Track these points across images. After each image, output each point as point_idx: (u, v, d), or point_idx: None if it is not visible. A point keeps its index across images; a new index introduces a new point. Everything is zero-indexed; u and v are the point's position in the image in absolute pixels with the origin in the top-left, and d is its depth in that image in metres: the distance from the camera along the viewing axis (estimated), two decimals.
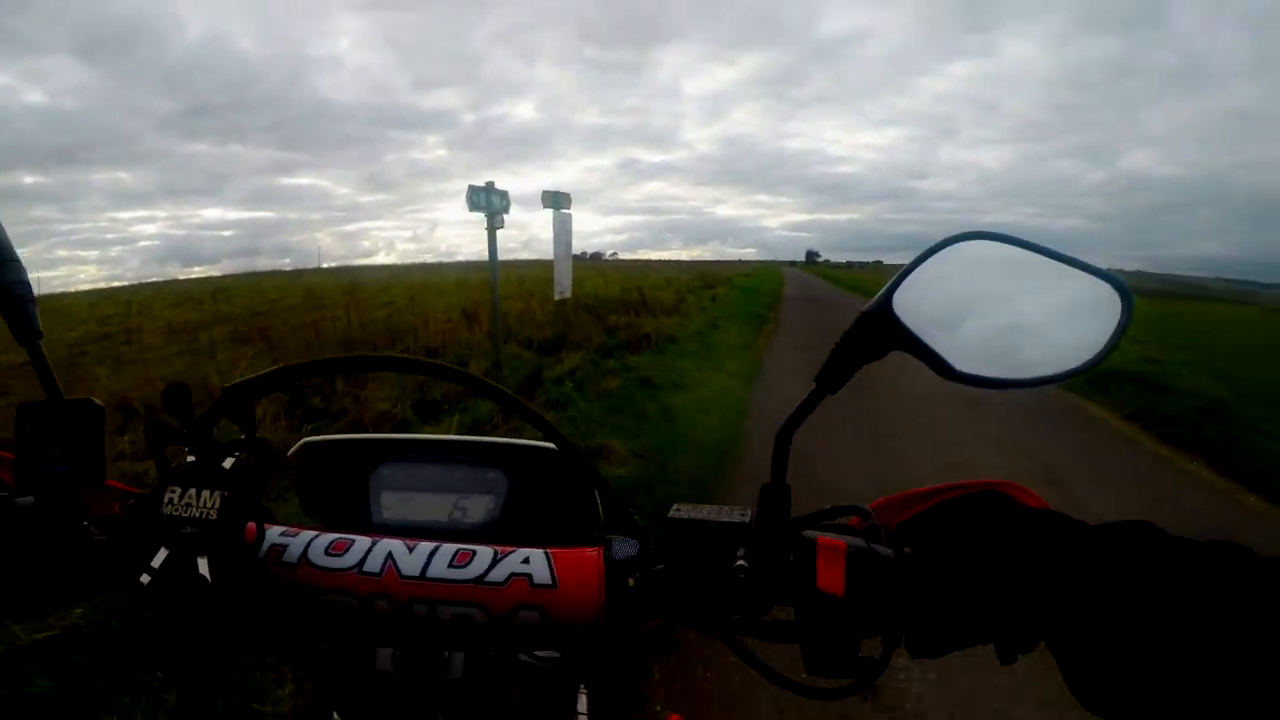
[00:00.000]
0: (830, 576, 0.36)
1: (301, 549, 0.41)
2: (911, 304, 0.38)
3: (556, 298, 6.82)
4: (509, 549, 0.41)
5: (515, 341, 7.20)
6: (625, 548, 0.42)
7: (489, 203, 5.79)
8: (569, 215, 7.13)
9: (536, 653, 0.54)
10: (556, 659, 0.55)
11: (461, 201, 5.62)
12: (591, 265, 45.60)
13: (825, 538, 0.37)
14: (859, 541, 0.37)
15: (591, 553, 0.41)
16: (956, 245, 0.38)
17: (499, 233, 5.81)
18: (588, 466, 0.47)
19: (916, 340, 0.38)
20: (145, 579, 0.37)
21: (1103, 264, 0.37)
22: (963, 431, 4.65)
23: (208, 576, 0.37)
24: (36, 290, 0.45)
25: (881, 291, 0.39)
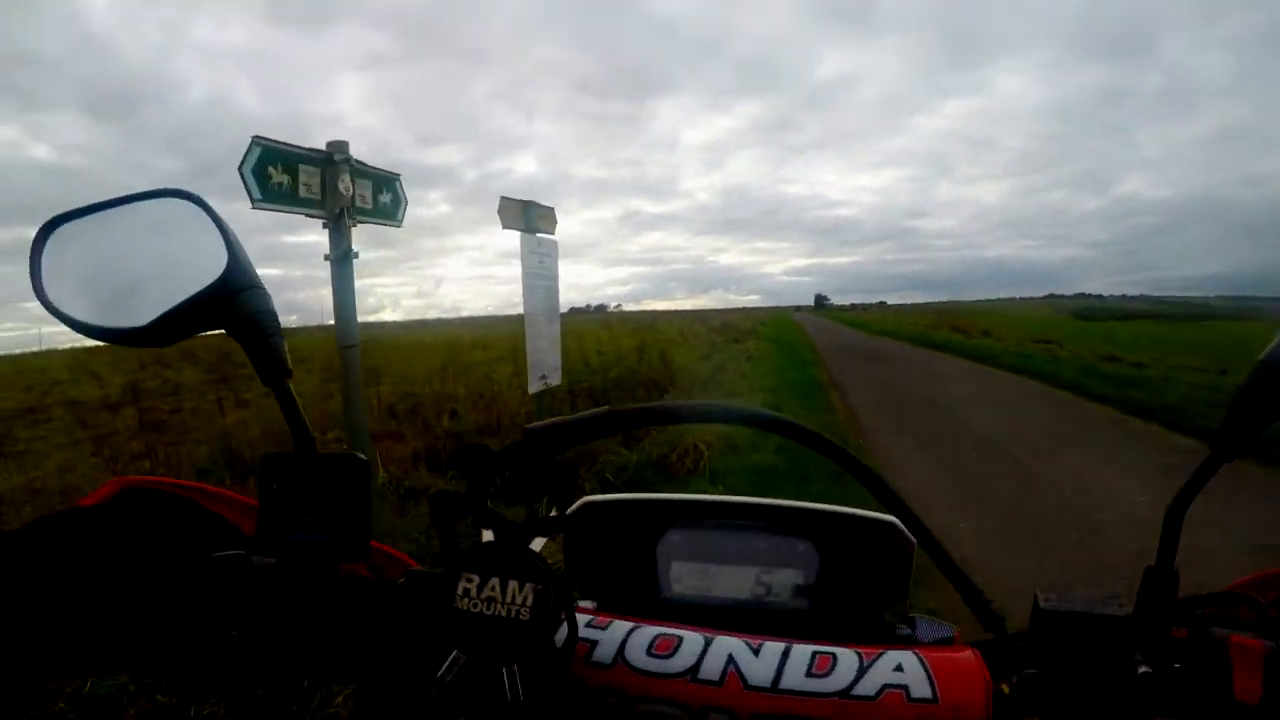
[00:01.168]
0: (1247, 683, 0.31)
1: (617, 646, 0.35)
2: None
3: (533, 389, 3.87)
4: (874, 650, 0.35)
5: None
6: (936, 631, 0.38)
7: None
8: (552, 244, 4.31)
9: None
10: None
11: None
12: (597, 318, 43.16)
13: (1238, 636, 0.32)
14: (1272, 643, 0.32)
15: (969, 655, 0.35)
16: None
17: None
18: (939, 546, 0.39)
19: None
20: (434, 693, 0.32)
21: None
22: None
23: (517, 692, 0.31)
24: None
25: None
